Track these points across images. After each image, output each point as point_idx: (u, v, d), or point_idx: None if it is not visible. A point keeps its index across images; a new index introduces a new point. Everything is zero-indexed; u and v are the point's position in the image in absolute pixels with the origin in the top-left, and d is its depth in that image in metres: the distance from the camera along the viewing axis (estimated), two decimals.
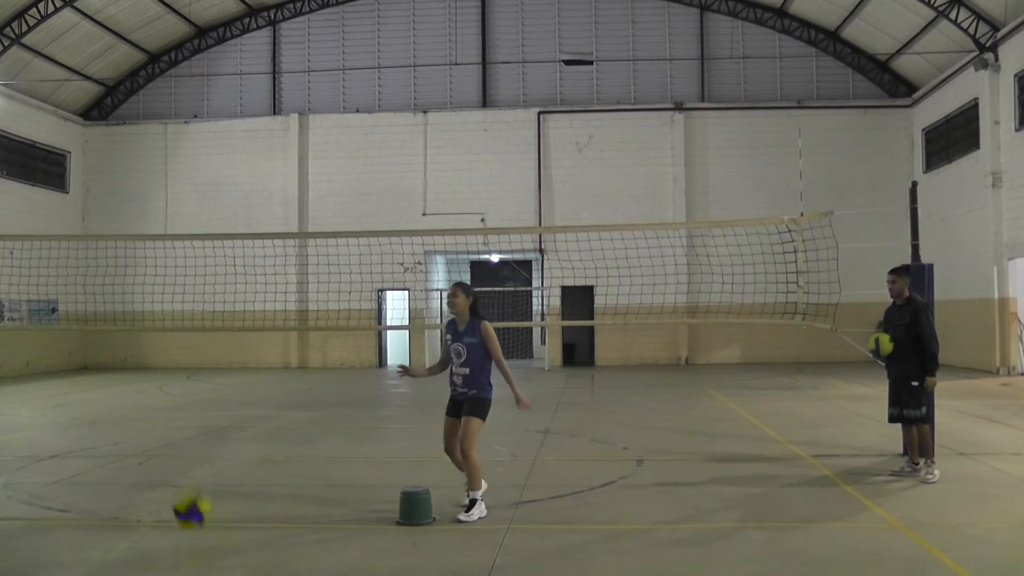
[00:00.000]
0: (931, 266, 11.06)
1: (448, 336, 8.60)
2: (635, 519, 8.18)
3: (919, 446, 9.91)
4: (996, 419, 14.48)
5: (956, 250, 24.65)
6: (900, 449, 10.96)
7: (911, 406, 9.81)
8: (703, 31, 30.03)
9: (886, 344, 9.87)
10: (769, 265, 14.59)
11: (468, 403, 8.45)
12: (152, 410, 17.75)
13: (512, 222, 28.76)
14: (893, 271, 10.20)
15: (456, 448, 8.51)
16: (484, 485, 8.32)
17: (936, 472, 9.62)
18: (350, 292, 17.80)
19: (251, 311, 17.71)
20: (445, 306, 7.46)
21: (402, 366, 9.13)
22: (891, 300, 10.24)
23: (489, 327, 8.47)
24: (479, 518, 8.09)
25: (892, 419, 10.18)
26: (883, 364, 10.25)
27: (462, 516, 8.08)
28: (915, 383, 9.80)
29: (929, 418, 10.10)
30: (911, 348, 9.82)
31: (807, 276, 12.98)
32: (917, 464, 9.90)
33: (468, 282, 31.79)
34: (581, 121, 29.83)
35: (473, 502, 8.18)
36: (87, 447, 12.53)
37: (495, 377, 8.50)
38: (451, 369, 8.61)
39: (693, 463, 11.01)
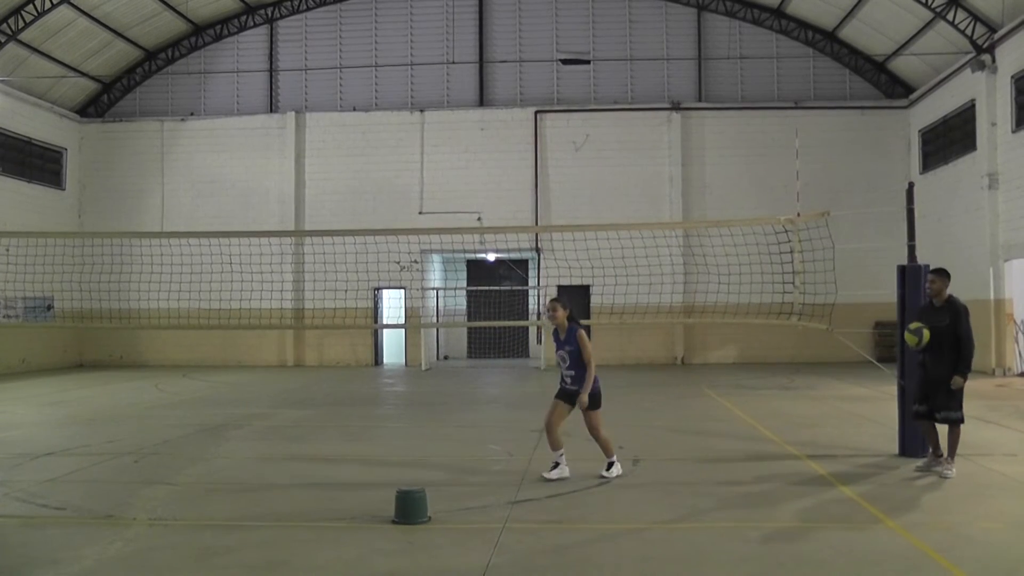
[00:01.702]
0: (927, 267, 11.07)
1: (556, 343, 9.97)
2: (631, 518, 8.18)
3: (948, 445, 9.97)
4: (992, 420, 14.51)
5: (952, 251, 24.66)
6: (896, 450, 11.01)
7: (952, 408, 9.88)
8: (700, 31, 30.04)
9: (926, 335, 9.92)
10: (766, 265, 14.60)
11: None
12: (148, 408, 17.73)
13: (509, 221, 28.74)
14: (934, 271, 10.29)
15: (556, 426, 9.87)
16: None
17: (954, 470, 9.75)
18: (346, 290, 17.78)
19: (247, 309, 17.67)
20: (544, 314, 8.52)
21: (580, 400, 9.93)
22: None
23: (584, 335, 9.74)
24: (617, 475, 9.86)
25: (918, 416, 10.22)
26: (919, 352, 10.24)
27: (604, 472, 9.87)
28: (954, 387, 9.87)
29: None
30: (950, 348, 9.87)
31: (803, 276, 12.99)
32: (941, 455, 9.97)
33: (465, 282, 31.99)
34: (578, 120, 29.81)
35: (610, 464, 9.94)
36: (82, 445, 12.52)
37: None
38: (560, 368, 10.00)
39: (689, 463, 11.02)
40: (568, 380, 9.84)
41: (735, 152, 29.31)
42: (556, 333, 9.86)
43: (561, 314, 9.75)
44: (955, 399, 9.87)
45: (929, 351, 9.98)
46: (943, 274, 10.24)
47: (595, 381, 9.71)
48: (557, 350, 9.86)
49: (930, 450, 10.21)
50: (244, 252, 18.01)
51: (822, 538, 7.42)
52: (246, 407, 17.74)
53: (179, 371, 27.05)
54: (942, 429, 10.05)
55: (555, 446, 9.88)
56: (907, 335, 10.09)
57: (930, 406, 10.02)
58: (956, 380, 9.82)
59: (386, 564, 6.86)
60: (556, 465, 9.83)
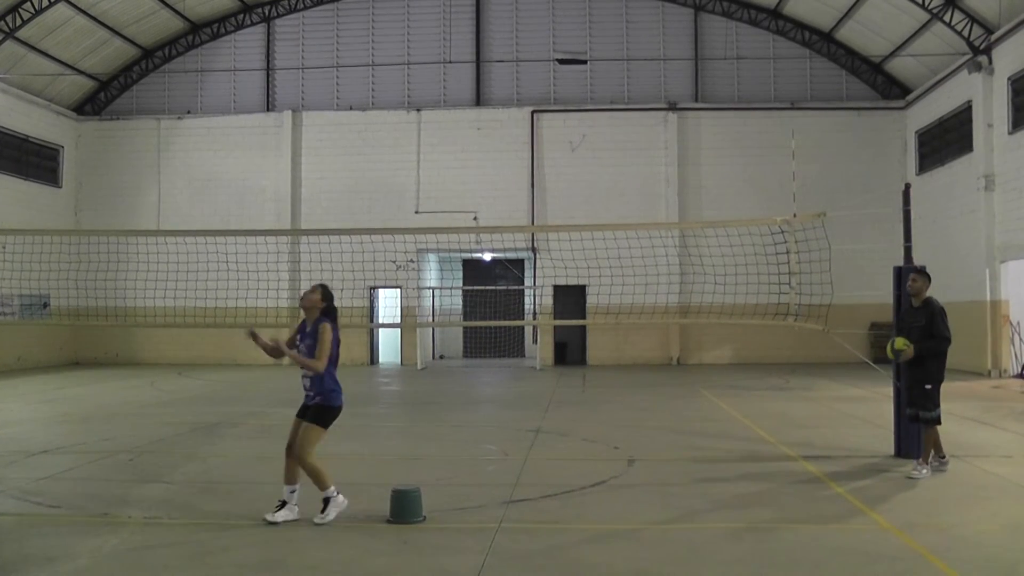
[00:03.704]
0: (923, 268, 11.09)
1: (298, 336, 8.38)
2: (625, 519, 8.18)
3: (921, 444, 10.02)
4: (987, 421, 14.52)
5: (948, 252, 24.70)
6: (891, 451, 11.01)
7: (927, 408, 9.93)
8: (697, 31, 30.05)
9: (909, 352, 9.96)
10: (762, 266, 14.59)
11: (313, 410, 8.16)
12: (143, 406, 17.71)
13: (505, 221, 28.75)
14: (916, 271, 10.40)
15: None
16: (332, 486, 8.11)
17: (924, 472, 9.71)
18: (342, 289, 17.64)
19: (243, 307, 17.61)
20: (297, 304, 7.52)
21: (251, 331, 8.54)
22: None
23: (327, 328, 8.09)
24: (338, 515, 7.97)
25: (911, 419, 10.26)
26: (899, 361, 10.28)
27: (317, 519, 7.92)
28: (928, 386, 9.91)
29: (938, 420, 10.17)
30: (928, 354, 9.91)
31: (799, 277, 12.99)
32: (944, 457, 10.01)
33: (461, 281, 32.01)
34: (575, 120, 29.82)
35: (326, 500, 8.02)
36: (78, 443, 12.50)
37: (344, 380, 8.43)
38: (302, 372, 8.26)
39: (684, 463, 11.01)
40: (307, 384, 8.16)
41: (731, 153, 29.33)
42: (304, 323, 8.31)
43: (316, 298, 8.22)
44: (930, 399, 9.93)
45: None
46: (924, 274, 10.34)
47: (335, 396, 8.18)
48: (299, 342, 8.29)
49: (932, 452, 10.16)
50: (240, 251, 17.96)
51: (817, 539, 7.42)
52: (241, 406, 17.74)
53: (175, 369, 27.03)
54: (941, 430, 10.08)
55: (288, 478, 8.15)
56: (890, 349, 10.11)
57: (917, 409, 10.07)
58: (911, 348, 9.84)
59: (381, 563, 6.86)
60: (282, 504, 8.09)
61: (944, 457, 10.05)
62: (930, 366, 9.95)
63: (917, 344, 9.92)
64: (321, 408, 8.15)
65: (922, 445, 9.98)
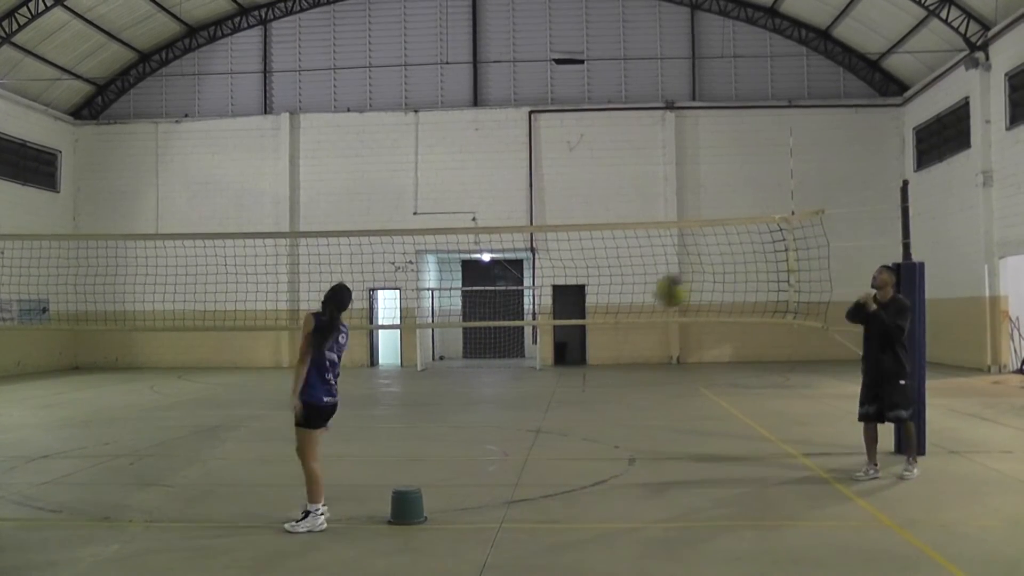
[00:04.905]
0: (922, 264, 11.09)
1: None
2: (626, 518, 8.18)
3: (905, 443, 9.98)
4: (987, 417, 14.52)
5: (947, 249, 24.70)
6: (891, 447, 10.97)
7: (902, 406, 9.76)
8: (694, 30, 30.05)
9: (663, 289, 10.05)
10: (760, 264, 14.58)
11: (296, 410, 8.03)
12: (143, 410, 17.71)
13: (503, 221, 28.74)
14: (882, 266, 10.26)
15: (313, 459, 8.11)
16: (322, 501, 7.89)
17: (916, 471, 9.66)
18: None
19: (242, 310, 17.65)
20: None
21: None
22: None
23: (308, 317, 8.13)
24: (308, 531, 7.66)
25: (866, 417, 9.96)
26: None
27: (287, 525, 7.74)
28: (902, 381, 9.78)
29: (915, 416, 10.13)
30: (898, 345, 9.81)
31: (798, 275, 12.99)
32: (877, 466, 9.76)
33: (460, 282, 32.00)
34: (572, 120, 29.82)
35: (306, 513, 7.79)
36: (78, 447, 12.50)
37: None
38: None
39: (685, 462, 11.02)
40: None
41: (729, 151, 29.33)
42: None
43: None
44: (905, 397, 9.77)
45: (878, 349, 9.86)
46: (889, 269, 10.25)
47: (310, 391, 7.97)
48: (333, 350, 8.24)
49: (867, 459, 9.81)
50: (239, 253, 17.94)
51: (818, 536, 7.42)
52: (241, 408, 17.74)
53: (174, 373, 27.01)
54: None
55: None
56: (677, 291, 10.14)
57: (879, 407, 9.82)
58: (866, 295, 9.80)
59: (383, 564, 6.86)
60: (307, 515, 7.85)
61: (877, 465, 9.76)
62: (900, 362, 9.79)
63: (894, 348, 9.80)
64: (300, 404, 7.98)
65: (907, 442, 9.92)
